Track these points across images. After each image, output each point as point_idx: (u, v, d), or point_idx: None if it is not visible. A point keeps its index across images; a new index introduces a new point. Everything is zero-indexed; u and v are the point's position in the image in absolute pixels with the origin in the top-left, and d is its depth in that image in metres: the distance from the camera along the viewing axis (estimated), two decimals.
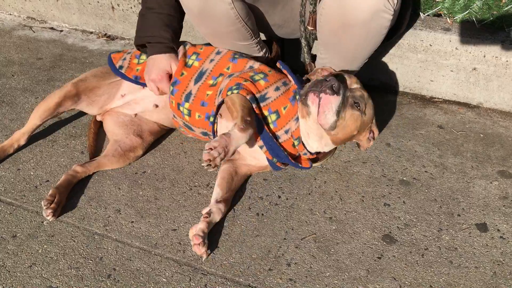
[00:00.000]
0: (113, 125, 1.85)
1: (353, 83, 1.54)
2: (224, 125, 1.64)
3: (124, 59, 1.83)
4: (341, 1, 1.49)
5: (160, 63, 1.72)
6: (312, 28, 1.70)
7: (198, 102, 1.66)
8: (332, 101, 1.46)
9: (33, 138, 1.88)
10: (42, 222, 1.55)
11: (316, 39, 1.76)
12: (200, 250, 1.42)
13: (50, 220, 1.54)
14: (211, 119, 1.63)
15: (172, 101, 1.72)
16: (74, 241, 1.49)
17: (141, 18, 1.75)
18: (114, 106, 1.87)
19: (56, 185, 1.61)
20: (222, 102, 1.57)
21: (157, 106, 1.84)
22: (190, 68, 1.72)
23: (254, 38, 1.73)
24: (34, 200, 1.63)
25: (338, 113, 1.47)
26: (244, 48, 1.75)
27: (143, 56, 1.82)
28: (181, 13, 1.75)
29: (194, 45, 1.81)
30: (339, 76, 1.53)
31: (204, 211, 1.52)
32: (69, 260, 1.43)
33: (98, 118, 1.91)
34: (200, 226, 1.46)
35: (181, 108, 1.70)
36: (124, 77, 1.81)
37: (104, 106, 1.87)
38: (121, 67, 1.82)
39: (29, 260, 1.43)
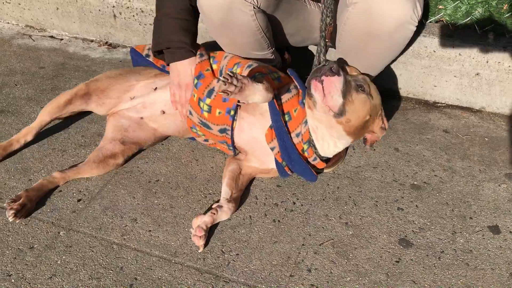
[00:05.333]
0: (110, 128, 1.85)
1: (352, 71, 1.56)
2: (246, 121, 1.66)
3: (149, 49, 1.87)
4: (368, 12, 1.51)
5: (185, 72, 1.73)
6: (327, 41, 1.72)
7: (220, 98, 1.66)
8: (334, 81, 1.46)
9: (43, 147, 1.87)
10: (59, 233, 1.55)
11: (333, 48, 1.79)
12: (199, 242, 1.47)
13: (11, 221, 1.54)
14: (232, 112, 1.64)
15: (194, 94, 1.72)
16: (92, 251, 1.49)
17: (157, 24, 1.73)
18: (121, 109, 1.88)
19: (27, 188, 1.63)
20: None
21: (164, 112, 1.84)
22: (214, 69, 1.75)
23: (270, 48, 1.75)
24: (48, 210, 1.62)
25: (344, 94, 1.48)
26: (260, 57, 1.77)
27: None
28: (197, 17, 1.75)
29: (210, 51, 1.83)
30: (337, 63, 1.55)
31: (215, 205, 1.55)
32: (89, 270, 1.43)
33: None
34: (205, 219, 1.50)
35: (201, 104, 1.69)
36: (152, 64, 1.86)
37: (112, 108, 1.88)
38: (147, 55, 1.87)
39: (49, 271, 1.42)
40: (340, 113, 1.50)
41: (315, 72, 1.50)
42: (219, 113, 1.66)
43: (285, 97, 1.61)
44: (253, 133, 1.66)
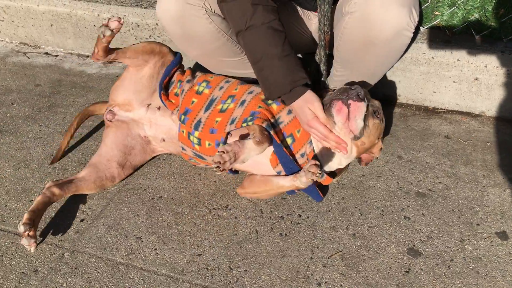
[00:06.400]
0: (110, 141, 1.79)
1: (367, 94, 1.57)
2: None
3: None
4: (365, 20, 1.51)
5: (310, 101, 1.54)
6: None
7: (207, 130, 1.65)
8: (360, 107, 1.50)
9: (43, 167, 1.85)
10: (63, 255, 1.52)
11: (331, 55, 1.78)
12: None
13: (32, 251, 1.48)
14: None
15: (182, 130, 1.71)
16: (98, 272, 1.46)
17: (283, 62, 1.50)
18: (135, 116, 1.82)
19: (32, 209, 1.52)
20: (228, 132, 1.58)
21: (164, 140, 1.82)
22: (200, 95, 1.71)
23: (243, 52, 1.73)
24: (51, 232, 1.60)
25: (365, 119, 1.52)
26: (236, 64, 1.75)
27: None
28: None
29: (205, 74, 1.81)
30: (362, 89, 1.56)
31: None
32: None
33: (108, 117, 1.82)
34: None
35: (191, 138, 1.68)
36: (160, 90, 1.76)
37: (137, 100, 1.80)
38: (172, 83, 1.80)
39: None
40: (359, 135, 1.53)
41: (341, 93, 1.52)
42: (209, 145, 1.66)
43: (286, 119, 1.59)
44: (255, 157, 1.64)
